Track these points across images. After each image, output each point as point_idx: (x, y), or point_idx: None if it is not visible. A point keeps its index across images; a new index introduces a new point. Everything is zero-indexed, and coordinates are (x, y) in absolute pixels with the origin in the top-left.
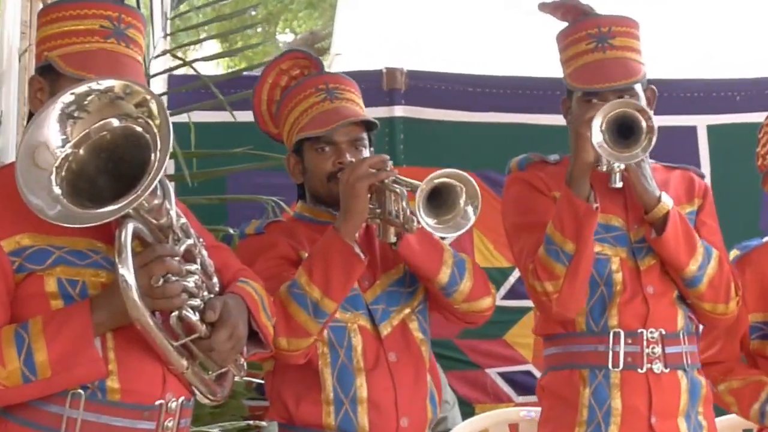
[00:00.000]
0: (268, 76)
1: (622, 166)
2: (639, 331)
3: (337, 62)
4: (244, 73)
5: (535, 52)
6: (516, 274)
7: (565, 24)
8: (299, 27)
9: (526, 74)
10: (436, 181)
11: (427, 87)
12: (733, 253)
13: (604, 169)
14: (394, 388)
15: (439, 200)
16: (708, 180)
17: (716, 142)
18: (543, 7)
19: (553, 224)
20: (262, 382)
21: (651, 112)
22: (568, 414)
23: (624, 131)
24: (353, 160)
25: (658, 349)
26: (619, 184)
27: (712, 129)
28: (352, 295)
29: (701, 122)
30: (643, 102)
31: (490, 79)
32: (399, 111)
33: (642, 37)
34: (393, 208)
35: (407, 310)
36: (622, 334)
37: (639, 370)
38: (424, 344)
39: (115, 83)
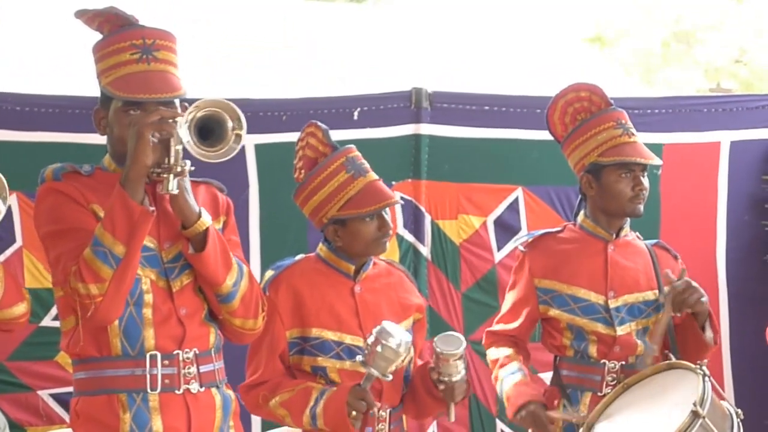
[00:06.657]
0: None
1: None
2: (175, 352)
3: None
4: None
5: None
6: None
7: (99, 35)
8: None
9: (78, 93)
10: None
11: None
12: (269, 273)
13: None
14: None
15: None
16: (256, 198)
17: (264, 161)
18: (80, 14)
19: (104, 225)
20: None
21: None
22: None
23: (206, 133)
24: None
25: (193, 369)
26: (176, 191)
27: (260, 148)
28: None
29: (249, 141)
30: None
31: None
32: None
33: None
34: None
35: None
36: (159, 356)
37: (177, 392)
38: None
39: None
